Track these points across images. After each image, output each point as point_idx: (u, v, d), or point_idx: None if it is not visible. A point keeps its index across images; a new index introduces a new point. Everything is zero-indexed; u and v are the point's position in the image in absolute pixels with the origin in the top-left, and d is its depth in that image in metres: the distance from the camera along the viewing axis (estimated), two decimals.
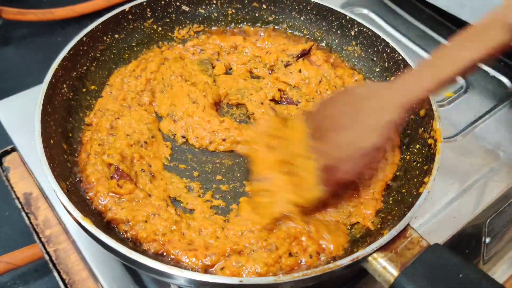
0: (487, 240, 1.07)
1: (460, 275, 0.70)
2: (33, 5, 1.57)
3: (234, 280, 0.68)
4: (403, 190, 0.89)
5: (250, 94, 1.05)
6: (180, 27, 1.17)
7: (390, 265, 0.72)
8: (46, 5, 1.59)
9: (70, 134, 0.93)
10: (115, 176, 0.86)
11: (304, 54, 1.11)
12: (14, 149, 1.12)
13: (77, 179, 0.87)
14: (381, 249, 0.73)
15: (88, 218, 0.72)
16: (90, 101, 1.01)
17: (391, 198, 0.90)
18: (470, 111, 1.19)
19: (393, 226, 0.75)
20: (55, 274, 0.96)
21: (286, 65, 1.10)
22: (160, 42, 1.15)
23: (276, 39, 1.15)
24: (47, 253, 0.99)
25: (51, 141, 0.84)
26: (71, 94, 0.97)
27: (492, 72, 1.28)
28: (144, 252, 0.78)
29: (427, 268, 0.72)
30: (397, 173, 0.93)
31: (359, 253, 0.72)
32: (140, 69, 1.06)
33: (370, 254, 0.73)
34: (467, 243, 1.04)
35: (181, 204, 0.88)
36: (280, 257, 0.77)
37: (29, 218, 1.02)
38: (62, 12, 1.58)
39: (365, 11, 1.45)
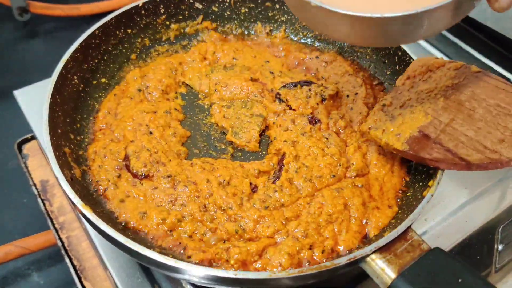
0: (500, 247, 1.04)
1: (460, 280, 0.69)
2: (60, 1, 1.63)
3: (229, 274, 0.69)
4: (408, 194, 0.88)
5: None
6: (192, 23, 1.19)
7: (389, 267, 0.72)
8: (73, 0, 1.65)
9: (78, 125, 0.96)
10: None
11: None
12: (34, 137, 1.17)
13: (84, 169, 0.90)
14: (380, 250, 0.73)
15: (89, 207, 0.74)
16: (100, 94, 1.05)
17: (398, 202, 0.89)
18: None
19: (394, 228, 0.74)
20: (67, 260, 0.99)
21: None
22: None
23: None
24: (60, 239, 1.02)
25: (59, 130, 0.87)
26: (82, 86, 1.00)
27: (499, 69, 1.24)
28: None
29: (426, 271, 0.71)
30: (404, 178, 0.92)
31: (357, 253, 0.72)
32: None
33: (368, 255, 0.72)
34: (479, 250, 1.02)
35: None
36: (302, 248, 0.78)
37: (44, 205, 1.06)
38: (87, 8, 1.64)
39: None
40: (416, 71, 0.92)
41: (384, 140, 0.85)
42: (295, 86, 1.03)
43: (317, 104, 1.01)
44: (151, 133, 0.95)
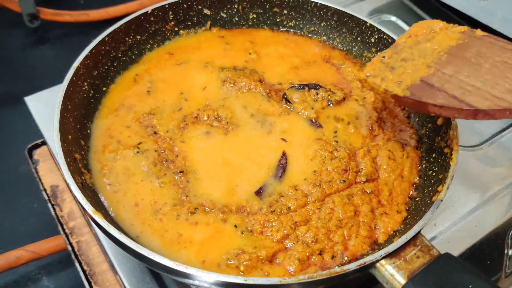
0: (510, 252, 1.03)
1: (470, 286, 0.68)
2: (69, 7, 1.64)
3: (240, 280, 0.69)
4: (417, 199, 0.88)
5: None
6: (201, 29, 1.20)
7: (398, 273, 0.72)
8: (82, 7, 1.67)
9: (88, 131, 0.96)
10: None
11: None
12: (44, 143, 1.18)
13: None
14: (390, 256, 0.73)
15: (100, 213, 0.74)
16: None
17: (407, 207, 0.89)
18: (497, 120, 1.16)
19: (404, 234, 0.74)
20: (77, 264, 1.00)
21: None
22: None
23: None
24: (70, 244, 1.03)
25: (69, 137, 0.87)
26: (92, 92, 1.01)
27: None
28: None
29: (436, 277, 0.70)
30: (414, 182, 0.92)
31: (367, 259, 0.71)
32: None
33: (378, 261, 0.72)
34: (489, 255, 1.01)
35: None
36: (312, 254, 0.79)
37: (54, 210, 1.07)
38: (96, 14, 1.65)
39: (393, 18, 1.44)
40: (419, 31, 0.88)
41: (383, 87, 0.81)
42: (303, 88, 1.03)
43: (323, 108, 1.01)
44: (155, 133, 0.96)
